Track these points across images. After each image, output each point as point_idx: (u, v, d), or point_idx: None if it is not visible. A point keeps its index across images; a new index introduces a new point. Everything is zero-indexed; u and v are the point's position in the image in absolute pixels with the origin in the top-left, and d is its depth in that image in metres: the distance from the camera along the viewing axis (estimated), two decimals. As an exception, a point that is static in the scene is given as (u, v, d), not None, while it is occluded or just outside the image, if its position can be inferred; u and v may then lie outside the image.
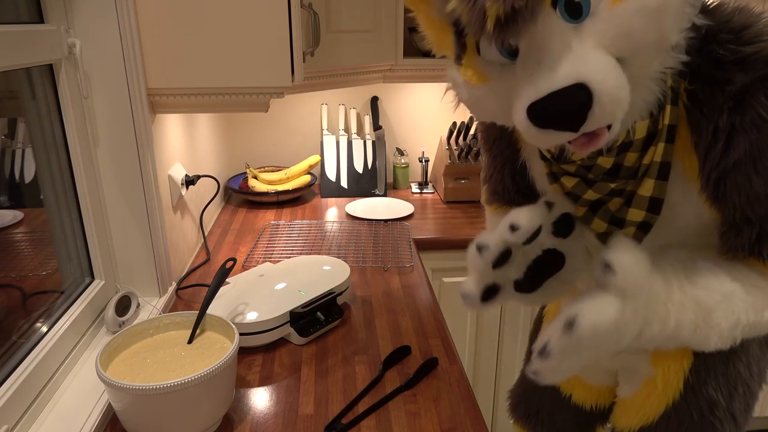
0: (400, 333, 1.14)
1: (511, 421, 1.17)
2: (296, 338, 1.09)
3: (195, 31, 1.09)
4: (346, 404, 0.93)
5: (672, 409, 0.84)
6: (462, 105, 0.71)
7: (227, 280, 1.14)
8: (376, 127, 1.99)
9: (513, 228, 0.69)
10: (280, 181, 1.96)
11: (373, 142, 2.05)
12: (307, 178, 1.98)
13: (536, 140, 0.60)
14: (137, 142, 1.10)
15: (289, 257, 1.42)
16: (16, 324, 0.91)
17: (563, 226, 0.75)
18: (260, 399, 0.95)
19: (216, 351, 0.88)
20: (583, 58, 0.55)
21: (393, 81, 1.79)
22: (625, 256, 0.63)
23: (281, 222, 1.76)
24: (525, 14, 0.54)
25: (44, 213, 1.02)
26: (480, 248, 0.71)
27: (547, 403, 1.08)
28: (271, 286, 1.14)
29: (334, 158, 2.04)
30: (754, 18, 0.63)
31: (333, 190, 2.02)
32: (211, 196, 1.68)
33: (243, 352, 1.07)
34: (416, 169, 2.19)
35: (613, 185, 0.71)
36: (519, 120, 0.59)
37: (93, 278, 1.14)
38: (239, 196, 1.99)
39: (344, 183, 2.03)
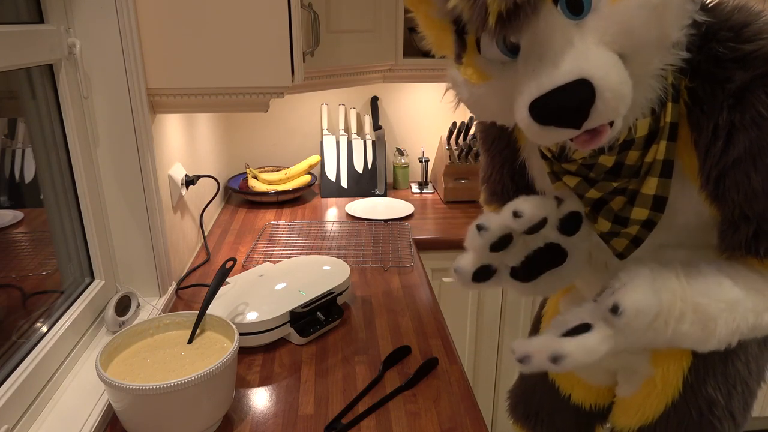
0: (400, 333, 1.14)
1: (511, 422, 1.17)
2: (296, 338, 1.09)
3: (195, 31, 1.09)
4: (346, 404, 0.93)
5: (671, 409, 0.84)
6: (462, 105, 0.71)
7: (227, 280, 1.14)
8: (376, 127, 1.99)
9: (516, 214, 0.68)
10: (280, 181, 1.96)
11: (373, 142, 2.05)
12: (307, 178, 1.98)
13: (538, 138, 0.60)
14: (137, 142, 1.10)
15: (289, 257, 1.42)
16: (16, 324, 0.91)
17: (570, 224, 0.74)
18: (260, 399, 0.95)
19: (216, 351, 0.88)
20: (585, 53, 0.55)
21: (393, 81, 1.79)
22: (635, 297, 0.63)
23: (281, 222, 1.76)
24: (527, 10, 0.54)
25: (44, 213, 1.02)
26: (480, 228, 0.70)
27: (547, 403, 1.08)
28: (271, 286, 1.14)
29: (334, 158, 2.04)
30: (754, 16, 0.63)
31: (333, 190, 2.02)
32: (211, 196, 1.68)
33: (243, 352, 1.07)
34: (416, 169, 2.19)
35: (615, 184, 0.71)
36: (521, 117, 0.59)
37: (93, 278, 1.14)
38: (239, 196, 1.99)
39: (344, 183, 2.03)
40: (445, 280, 1.69)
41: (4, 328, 0.88)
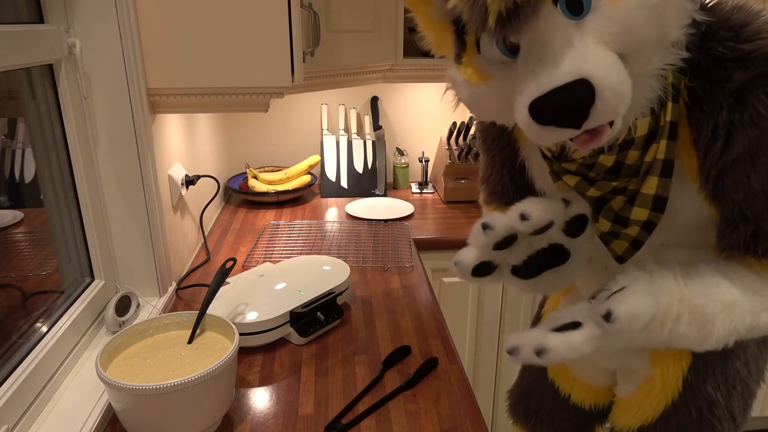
0: (400, 333, 1.14)
1: (510, 422, 1.17)
2: (296, 338, 1.09)
3: (195, 31, 1.09)
4: (346, 404, 0.93)
5: (671, 408, 0.84)
6: (462, 105, 0.71)
7: (227, 280, 1.14)
8: (376, 127, 1.99)
9: (523, 217, 0.68)
10: (280, 181, 1.96)
11: (373, 142, 2.05)
12: (307, 178, 1.98)
13: (538, 138, 0.60)
14: (137, 142, 1.10)
15: (289, 257, 1.42)
16: (16, 324, 0.91)
17: (576, 227, 0.74)
18: (260, 399, 0.95)
19: (216, 351, 0.88)
20: (585, 53, 0.55)
21: (393, 81, 1.79)
22: (631, 304, 0.63)
23: (281, 222, 1.76)
24: (527, 10, 0.54)
25: (44, 213, 1.02)
26: (486, 227, 0.70)
27: (546, 403, 1.08)
28: (271, 286, 1.14)
29: (334, 158, 2.04)
30: (753, 16, 0.63)
31: (333, 190, 2.02)
32: (211, 196, 1.68)
33: (243, 352, 1.07)
34: (416, 169, 2.19)
35: (615, 183, 0.71)
36: (521, 117, 0.59)
37: (93, 278, 1.14)
38: (239, 196, 1.99)
39: (344, 183, 2.03)
40: (445, 280, 1.69)
41: (4, 328, 0.88)
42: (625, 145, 0.67)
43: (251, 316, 1.05)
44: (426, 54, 1.74)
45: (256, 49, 1.11)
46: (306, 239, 1.61)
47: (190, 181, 1.41)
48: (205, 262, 1.46)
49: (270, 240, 1.61)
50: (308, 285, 1.15)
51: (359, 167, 2.04)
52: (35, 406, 0.86)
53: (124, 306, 1.12)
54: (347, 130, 2.11)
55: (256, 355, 1.06)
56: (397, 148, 2.14)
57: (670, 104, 0.65)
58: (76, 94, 1.04)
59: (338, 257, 1.41)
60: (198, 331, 0.91)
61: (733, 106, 0.61)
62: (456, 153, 1.94)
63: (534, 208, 0.69)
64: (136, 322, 1.05)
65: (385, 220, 1.77)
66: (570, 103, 0.55)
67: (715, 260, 0.70)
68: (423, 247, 1.64)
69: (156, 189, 1.16)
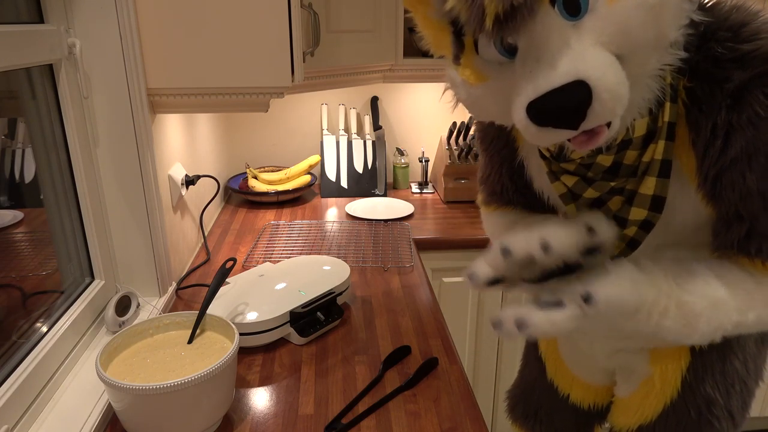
0: (400, 333, 1.14)
1: (510, 422, 1.17)
2: (296, 338, 1.09)
3: (195, 31, 1.09)
4: (346, 404, 0.93)
5: (670, 408, 0.84)
6: (461, 105, 0.71)
7: (227, 280, 1.14)
8: (376, 127, 1.99)
9: (545, 248, 0.66)
10: (280, 181, 1.96)
11: (373, 142, 2.05)
12: (307, 178, 1.99)
13: (536, 139, 0.60)
14: (137, 142, 1.10)
15: (289, 257, 1.42)
16: (16, 324, 0.91)
17: (596, 251, 0.74)
18: (260, 399, 0.95)
19: (216, 351, 0.88)
20: (582, 55, 0.55)
21: (393, 81, 1.79)
22: (610, 291, 0.63)
23: (281, 222, 1.76)
24: (524, 11, 0.54)
25: (44, 213, 1.02)
26: (505, 252, 0.68)
27: (546, 403, 1.09)
28: (271, 286, 1.14)
29: (334, 158, 2.04)
30: (752, 16, 0.63)
31: (333, 190, 2.02)
32: (211, 196, 1.68)
33: (243, 352, 1.07)
34: (416, 169, 2.19)
35: (613, 183, 0.71)
36: (518, 119, 0.59)
37: (93, 278, 1.14)
38: (239, 196, 1.99)
39: (344, 183, 2.03)
40: (445, 280, 1.69)
41: (4, 328, 0.88)
42: (624, 146, 0.67)
43: (251, 316, 1.05)
44: (426, 54, 1.73)
45: (256, 49, 1.11)
46: (306, 239, 1.61)
47: (190, 181, 1.42)
48: (205, 262, 1.46)
49: (270, 240, 1.61)
50: (308, 285, 1.15)
51: (359, 167, 2.04)
52: (35, 406, 0.86)
53: (124, 306, 1.12)
54: (347, 130, 2.11)
55: (256, 355, 1.06)
56: (397, 148, 2.14)
57: (668, 105, 0.65)
58: (76, 94, 1.05)
59: (338, 257, 1.41)
60: (198, 331, 0.92)
61: (732, 107, 0.62)
62: (456, 153, 1.94)
63: (556, 239, 0.66)
64: (136, 322, 1.05)
65: (385, 220, 1.77)
66: (567, 104, 0.55)
67: (708, 258, 0.70)
68: (423, 247, 1.64)
69: (156, 189, 1.16)
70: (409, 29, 1.75)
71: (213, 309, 1.03)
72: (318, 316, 1.13)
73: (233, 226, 1.73)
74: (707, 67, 0.63)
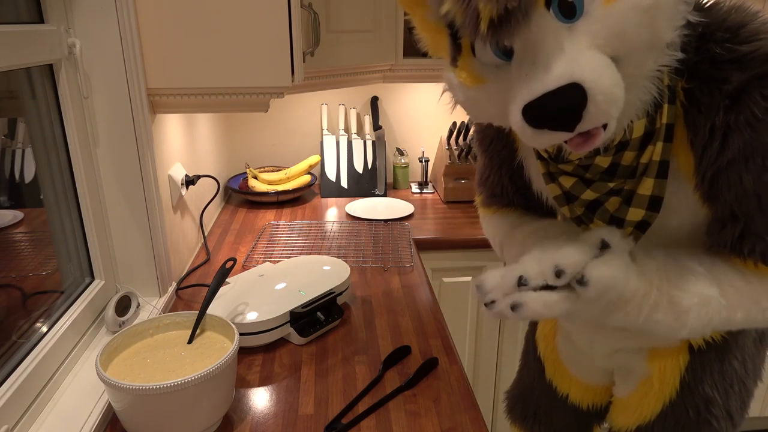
0: (400, 333, 1.14)
1: (509, 423, 1.17)
2: (296, 338, 1.09)
3: (195, 31, 1.09)
4: (346, 404, 0.93)
5: (669, 408, 0.84)
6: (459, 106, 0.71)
7: (227, 280, 1.14)
8: (376, 127, 1.99)
9: (559, 275, 0.65)
10: (280, 181, 1.96)
11: (373, 142, 2.05)
12: (307, 178, 1.99)
13: (532, 141, 0.60)
14: (137, 142, 1.10)
15: (289, 257, 1.42)
16: (16, 324, 0.91)
17: None
18: (260, 399, 0.95)
19: (216, 351, 0.88)
20: (577, 57, 0.55)
21: (393, 81, 1.79)
22: (603, 272, 0.64)
23: (281, 222, 1.76)
24: (518, 15, 0.54)
25: (44, 213, 1.02)
26: (522, 283, 0.67)
27: (544, 404, 1.09)
28: (271, 286, 1.14)
29: (334, 158, 2.04)
30: (751, 16, 0.63)
31: (333, 190, 2.02)
32: (211, 196, 1.69)
33: (243, 352, 1.07)
34: (416, 169, 2.19)
35: (611, 184, 0.71)
36: (515, 121, 0.59)
37: (93, 278, 1.14)
38: (239, 196, 1.99)
39: (344, 183, 2.03)
40: (445, 280, 1.69)
41: (4, 328, 0.89)
42: (621, 147, 0.67)
43: (251, 316, 1.05)
44: (426, 54, 1.73)
45: (256, 49, 1.11)
46: (306, 239, 1.61)
47: (190, 181, 1.42)
48: (205, 262, 1.47)
49: (270, 240, 1.61)
50: (308, 285, 1.15)
51: (359, 167, 2.04)
52: (35, 406, 0.86)
53: (124, 306, 1.12)
54: (347, 130, 2.11)
55: (256, 355, 1.06)
56: (397, 148, 2.14)
57: (666, 106, 0.65)
58: (76, 94, 1.05)
59: (338, 257, 1.41)
60: (198, 331, 0.92)
61: (730, 108, 0.62)
62: (456, 153, 1.94)
63: (570, 264, 0.65)
64: (136, 322, 1.05)
65: (385, 220, 1.77)
66: (562, 107, 0.55)
67: (701, 255, 0.71)
68: (423, 247, 1.64)
69: (156, 189, 1.16)
70: (409, 29, 1.75)
71: (213, 309, 1.04)
72: (318, 316, 1.13)
73: (233, 226, 1.73)
74: (706, 68, 0.63)
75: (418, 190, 2.08)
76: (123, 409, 0.80)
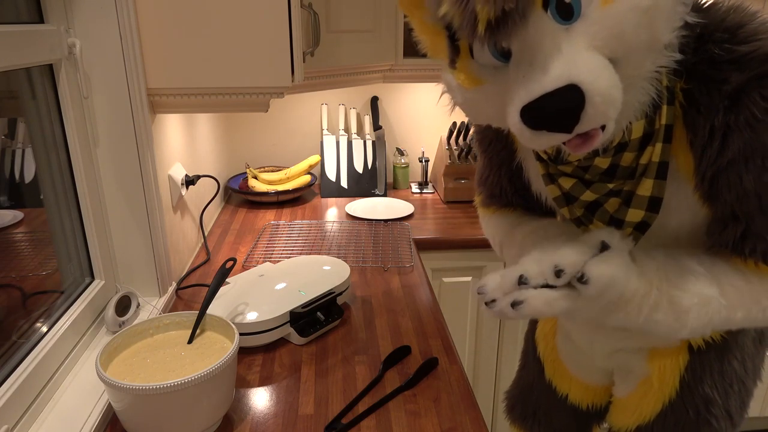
0: (400, 333, 1.14)
1: (508, 423, 1.18)
2: (296, 338, 1.09)
3: (195, 31, 1.09)
4: (346, 404, 0.93)
5: (668, 408, 0.84)
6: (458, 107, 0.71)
7: (227, 280, 1.14)
8: (376, 127, 1.99)
9: (558, 274, 0.66)
10: (280, 181, 1.96)
11: (373, 142, 2.05)
12: (307, 178, 1.99)
13: (530, 142, 0.60)
14: (137, 142, 1.11)
15: (289, 257, 1.42)
16: (16, 324, 0.91)
17: None
18: (260, 399, 0.95)
19: (216, 351, 0.88)
20: (575, 59, 0.55)
21: (393, 81, 1.80)
22: (603, 270, 0.64)
23: (281, 222, 1.76)
24: (515, 16, 0.54)
25: (44, 213, 1.02)
26: (522, 281, 0.68)
27: (544, 404, 1.09)
28: (271, 286, 1.14)
29: (334, 158, 2.04)
30: (749, 17, 0.63)
31: (333, 190, 2.02)
32: (211, 196, 1.69)
33: (243, 352, 1.07)
34: (416, 169, 2.19)
35: (610, 185, 0.71)
36: (513, 122, 0.59)
37: (93, 278, 1.14)
38: (239, 196, 1.99)
39: (344, 183, 2.03)
40: (445, 280, 1.69)
41: (4, 328, 0.89)
42: (620, 148, 0.67)
43: (251, 316, 1.05)
44: (426, 54, 1.74)
45: (256, 49, 1.11)
46: (306, 239, 1.61)
47: (190, 181, 1.42)
48: (205, 262, 1.47)
49: (270, 240, 1.61)
50: (308, 285, 1.15)
51: (359, 167, 2.04)
52: (35, 406, 0.86)
53: (124, 306, 1.12)
54: (347, 130, 2.12)
55: (256, 355, 1.06)
56: (397, 148, 2.14)
57: (665, 107, 0.65)
58: (76, 94, 1.05)
59: (338, 257, 1.41)
60: (198, 331, 0.92)
61: (729, 108, 0.62)
62: (456, 153, 1.94)
63: (569, 264, 0.66)
64: (136, 322, 1.05)
65: (385, 220, 1.77)
66: (560, 108, 0.55)
67: (701, 255, 0.71)
68: (423, 247, 1.64)
69: (156, 189, 1.16)
70: (410, 29, 1.75)
71: (213, 309, 1.04)
72: (318, 316, 1.13)
73: (233, 226, 1.74)
74: (705, 68, 0.63)
75: (418, 190, 2.08)
76: (123, 409, 0.80)
